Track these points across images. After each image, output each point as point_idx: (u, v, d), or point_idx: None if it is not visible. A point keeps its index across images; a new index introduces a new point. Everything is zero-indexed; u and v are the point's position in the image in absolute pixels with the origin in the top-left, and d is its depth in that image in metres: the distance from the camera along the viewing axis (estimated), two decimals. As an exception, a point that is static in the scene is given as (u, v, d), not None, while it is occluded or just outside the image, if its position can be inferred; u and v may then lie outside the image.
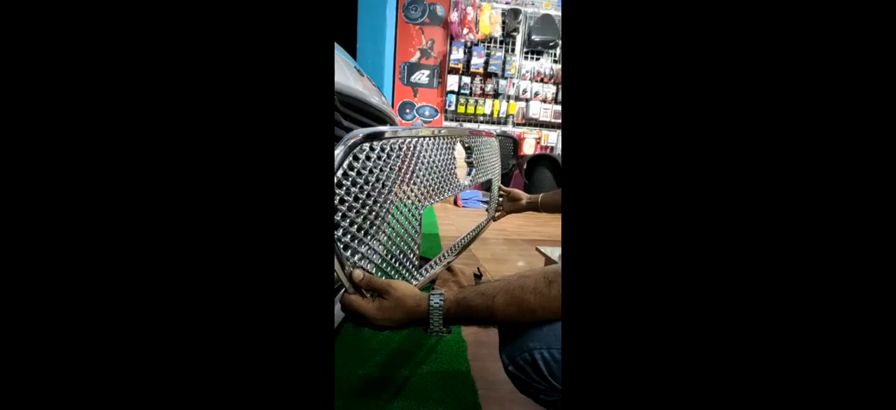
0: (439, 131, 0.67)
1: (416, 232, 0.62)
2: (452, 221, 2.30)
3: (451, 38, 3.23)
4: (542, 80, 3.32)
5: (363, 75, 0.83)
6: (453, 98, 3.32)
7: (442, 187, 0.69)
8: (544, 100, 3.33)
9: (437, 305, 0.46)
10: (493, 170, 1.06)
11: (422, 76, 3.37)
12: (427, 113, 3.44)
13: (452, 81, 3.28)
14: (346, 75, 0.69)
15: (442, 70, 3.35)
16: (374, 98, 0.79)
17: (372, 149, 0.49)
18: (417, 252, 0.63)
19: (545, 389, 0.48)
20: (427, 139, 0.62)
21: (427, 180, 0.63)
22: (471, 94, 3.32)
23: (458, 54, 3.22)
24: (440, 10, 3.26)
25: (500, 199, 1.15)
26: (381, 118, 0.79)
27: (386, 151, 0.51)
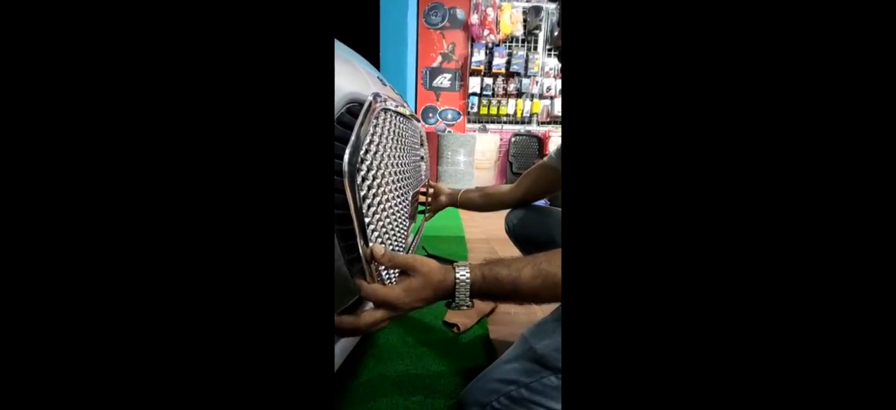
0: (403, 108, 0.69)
1: (408, 214, 0.65)
2: (478, 224, 2.30)
3: (472, 40, 3.23)
4: (566, 77, 3.26)
5: (386, 85, 0.86)
6: (475, 100, 3.32)
7: (414, 176, 0.71)
8: (569, 97, 3.27)
9: (465, 279, 0.45)
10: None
11: (444, 80, 3.39)
12: (450, 116, 3.46)
13: (474, 83, 3.29)
14: (369, 85, 0.72)
15: (463, 73, 3.36)
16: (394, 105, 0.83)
17: (381, 116, 0.49)
18: (408, 237, 0.66)
19: None
20: (402, 119, 0.65)
21: (406, 162, 0.65)
22: (493, 95, 3.31)
23: (479, 56, 3.22)
24: (460, 14, 3.27)
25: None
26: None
27: (391, 119, 0.54)
